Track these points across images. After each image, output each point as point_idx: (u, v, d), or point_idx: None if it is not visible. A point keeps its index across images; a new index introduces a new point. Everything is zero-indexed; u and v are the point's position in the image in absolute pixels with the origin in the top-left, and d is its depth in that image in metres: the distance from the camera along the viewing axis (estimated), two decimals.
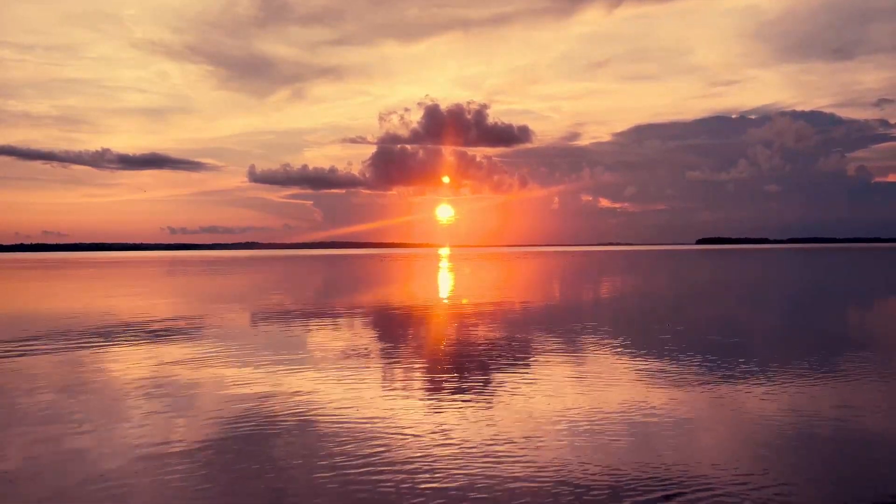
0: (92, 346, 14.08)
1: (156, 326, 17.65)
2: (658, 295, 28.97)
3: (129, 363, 12.09)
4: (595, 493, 5.64)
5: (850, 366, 11.12)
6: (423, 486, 5.83)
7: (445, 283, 38.70)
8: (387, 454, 6.68)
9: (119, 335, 15.86)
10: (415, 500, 5.52)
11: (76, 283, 42.72)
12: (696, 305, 23.92)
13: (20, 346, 14.36)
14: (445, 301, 25.75)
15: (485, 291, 30.94)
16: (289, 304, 24.77)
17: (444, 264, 76.86)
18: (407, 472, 6.18)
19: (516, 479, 5.98)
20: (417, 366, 11.58)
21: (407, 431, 7.47)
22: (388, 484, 5.88)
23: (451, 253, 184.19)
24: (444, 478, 6.01)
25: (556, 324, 17.54)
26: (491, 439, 7.14)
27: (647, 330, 16.09)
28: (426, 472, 6.17)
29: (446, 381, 10.22)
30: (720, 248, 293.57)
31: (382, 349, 13.51)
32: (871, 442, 7.00)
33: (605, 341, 14.14)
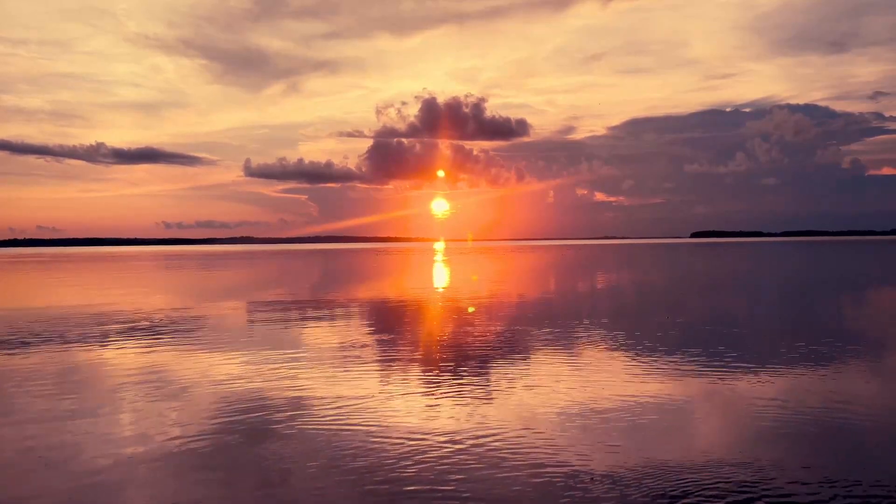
0: (87, 342, 14.04)
1: (152, 322, 17.61)
2: (656, 288, 29.05)
3: (124, 358, 12.07)
4: (592, 484, 5.66)
5: (846, 356, 11.17)
6: (420, 477, 5.83)
7: (440, 278, 38.71)
8: (384, 447, 6.68)
9: (115, 331, 15.82)
10: (412, 491, 5.53)
11: (71, 278, 42.56)
12: (693, 298, 24.00)
13: (15, 342, 14.31)
14: (441, 295, 25.76)
15: (482, 286, 30.96)
16: (284, 298, 24.76)
17: (439, 259, 76.83)
18: (405, 463, 6.17)
19: (515, 470, 5.98)
20: (414, 359, 11.57)
21: (404, 423, 7.48)
22: (386, 477, 5.87)
23: (447, 247, 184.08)
24: (440, 470, 6.01)
25: (554, 317, 17.57)
26: (489, 431, 7.14)
27: (646, 321, 16.12)
28: (423, 462, 6.17)
29: (443, 373, 10.22)
30: (714, 241, 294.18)
31: (378, 343, 13.51)
32: (867, 434, 7.04)
33: (604, 333, 14.17)
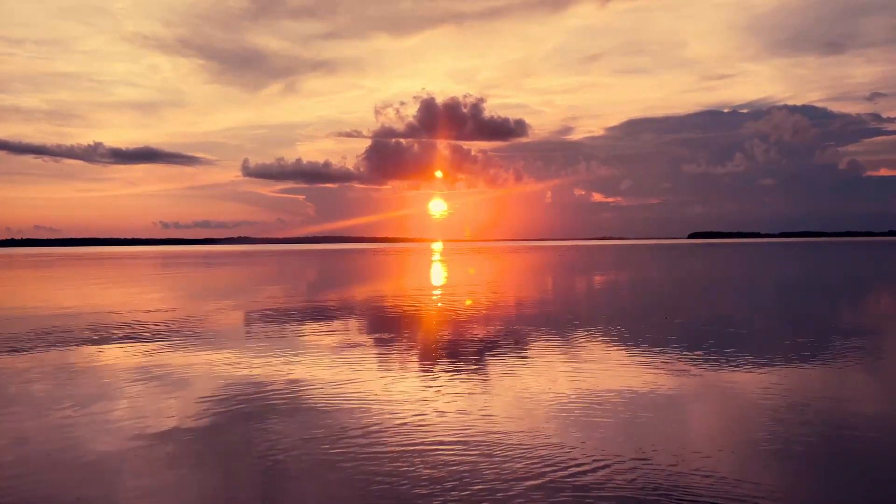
0: (88, 340, 14.10)
1: (151, 320, 17.67)
2: (653, 288, 29.14)
3: (124, 355, 12.14)
4: (588, 478, 5.74)
5: (842, 356, 11.29)
6: (418, 468, 5.92)
7: (439, 278, 38.76)
8: (383, 438, 6.76)
9: (114, 329, 15.88)
10: (411, 482, 5.61)
11: (69, 278, 42.53)
12: (690, 298, 24.10)
13: (15, 341, 14.37)
14: (440, 294, 25.83)
15: (482, 285, 31.02)
16: (282, 297, 24.82)
17: (437, 259, 76.81)
18: (404, 455, 6.26)
19: (511, 462, 6.07)
20: (413, 355, 11.66)
21: (403, 416, 7.56)
22: (385, 467, 5.96)
23: (445, 248, 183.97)
24: (437, 462, 6.11)
25: (553, 315, 17.66)
26: (486, 424, 7.22)
27: (645, 321, 16.22)
28: (421, 454, 6.26)
29: (442, 368, 10.30)
30: (712, 241, 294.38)
31: (377, 339, 13.58)
32: (863, 434, 7.13)
33: (602, 332, 14.26)
